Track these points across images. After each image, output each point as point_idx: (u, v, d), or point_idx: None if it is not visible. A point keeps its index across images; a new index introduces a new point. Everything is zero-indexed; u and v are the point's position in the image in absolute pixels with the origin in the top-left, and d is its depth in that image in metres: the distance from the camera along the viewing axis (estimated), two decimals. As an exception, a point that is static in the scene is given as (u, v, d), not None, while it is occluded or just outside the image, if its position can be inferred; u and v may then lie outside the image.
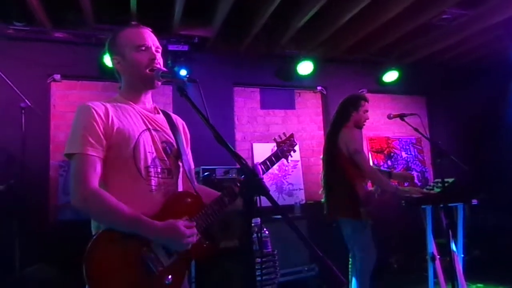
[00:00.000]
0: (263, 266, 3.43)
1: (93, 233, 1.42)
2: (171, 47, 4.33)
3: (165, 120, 1.66)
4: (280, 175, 5.09)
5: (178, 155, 1.59)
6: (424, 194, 3.10)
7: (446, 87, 5.89)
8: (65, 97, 4.41)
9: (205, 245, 1.54)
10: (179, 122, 1.75)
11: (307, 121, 5.51)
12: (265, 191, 1.13)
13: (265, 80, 5.22)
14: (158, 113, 1.68)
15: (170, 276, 1.41)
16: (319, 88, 5.46)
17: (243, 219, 1.22)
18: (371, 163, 3.82)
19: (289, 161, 1.93)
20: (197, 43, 4.51)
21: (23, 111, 3.45)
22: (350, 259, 3.18)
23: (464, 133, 5.73)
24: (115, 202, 1.37)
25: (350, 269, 3.17)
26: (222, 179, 3.86)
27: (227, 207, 1.57)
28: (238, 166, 4.21)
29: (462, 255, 3.28)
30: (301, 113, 5.50)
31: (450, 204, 3.08)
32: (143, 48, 1.54)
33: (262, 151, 5.12)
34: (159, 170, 1.52)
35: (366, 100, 3.25)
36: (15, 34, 3.99)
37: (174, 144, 1.60)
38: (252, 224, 1.17)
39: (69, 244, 3.72)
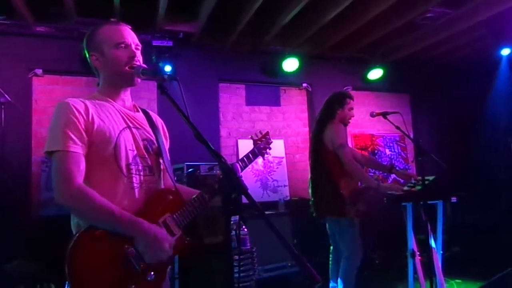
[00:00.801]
0: (241, 263, 3.45)
1: (74, 232, 1.41)
2: (155, 43, 4.30)
3: (145, 118, 1.66)
4: (265, 172, 5.12)
5: (159, 152, 1.60)
6: (405, 191, 3.15)
7: (429, 85, 5.98)
8: (47, 92, 4.34)
9: (186, 242, 1.55)
10: (159, 121, 1.75)
11: (292, 117, 5.54)
12: (243, 190, 1.14)
13: (251, 76, 5.23)
14: (138, 111, 1.67)
15: (152, 273, 1.43)
16: (304, 85, 5.49)
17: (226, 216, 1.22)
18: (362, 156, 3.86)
19: (265, 158, 1.99)
20: (182, 39, 4.48)
21: (2, 106, 3.38)
22: (330, 255, 3.21)
23: (447, 131, 5.84)
24: (102, 200, 1.36)
25: (330, 267, 3.20)
26: (207, 176, 3.86)
27: (207, 204, 1.59)
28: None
29: (442, 252, 3.35)
30: (286, 109, 5.52)
31: (430, 202, 3.14)
32: (123, 45, 1.52)
33: (247, 147, 5.09)
34: (140, 167, 1.52)
35: (351, 97, 3.28)
36: (-5, 28, 3.90)
37: (155, 141, 1.60)
38: (231, 222, 1.18)
39: (51, 239, 3.70)
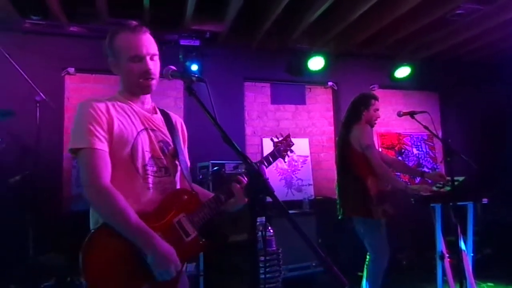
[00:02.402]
0: (267, 264, 3.46)
1: (92, 227, 1.47)
2: (183, 42, 4.36)
3: (163, 120, 1.70)
4: (289, 170, 5.11)
5: (175, 154, 1.63)
6: (433, 192, 3.08)
7: (459, 83, 5.80)
8: (79, 90, 4.49)
9: (201, 242, 1.57)
10: (178, 121, 1.79)
11: (317, 116, 5.50)
12: (269, 192, 1.15)
13: (276, 75, 5.22)
14: (156, 113, 1.71)
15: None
16: (330, 83, 5.44)
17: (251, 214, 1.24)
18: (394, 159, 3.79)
19: (286, 160, 1.97)
20: (208, 38, 4.53)
21: (38, 104, 3.52)
22: (367, 256, 3.14)
23: (477, 130, 5.65)
24: (125, 205, 1.39)
25: (366, 267, 3.14)
26: (232, 174, 3.89)
27: (223, 205, 1.63)
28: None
29: (472, 254, 3.26)
30: (311, 108, 5.49)
31: (460, 203, 3.06)
32: (137, 59, 1.55)
33: (271, 146, 5.12)
34: (155, 168, 1.56)
35: (376, 98, 3.24)
36: (31, 28, 4.06)
37: (171, 143, 1.64)
38: (257, 223, 1.19)
39: (81, 233, 3.84)
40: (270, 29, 4.48)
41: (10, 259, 3.32)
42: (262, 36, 4.63)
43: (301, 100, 5.44)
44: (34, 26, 4.05)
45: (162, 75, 1.57)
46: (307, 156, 5.27)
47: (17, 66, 3.36)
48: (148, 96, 1.68)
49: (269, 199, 1.20)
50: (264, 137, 5.16)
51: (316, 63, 4.92)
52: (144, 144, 1.55)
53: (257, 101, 5.24)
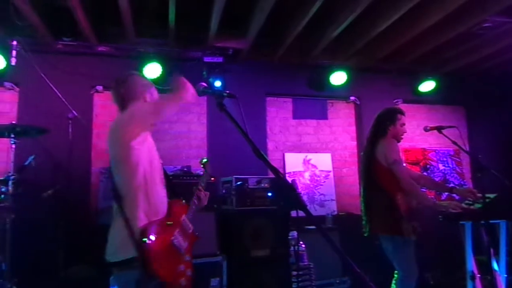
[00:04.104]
0: (299, 279, 3.43)
1: (137, 224, 1.69)
2: (206, 59, 4.46)
3: None
4: (311, 185, 5.07)
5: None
6: (463, 209, 2.99)
7: (486, 97, 5.67)
8: (107, 107, 4.62)
9: (195, 234, 2.05)
10: None
11: (339, 131, 5.48)
12: (302, 206, 1.15)
13: (298, 90, 5.25)
14: None
15: (187, 255, 1.94)
16: (352, 98, 5.43)
17: (275, 228, 1.25)
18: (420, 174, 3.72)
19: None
20: (231, 55, 4.61)
21: (70, 121, 3.66)
22: (395, 275, 3.04)
23: (506, 146, 5.48)
24: None
25: (393, 285, 3.04)
26: (255, 189, 3.89)
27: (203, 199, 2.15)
28: (271, 176, 4.26)
29: (506, 275, 3.12)
30: (333, 123, 5.47)
31: (492, 221, 2.95)
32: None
33: (294, 161, 5.13)
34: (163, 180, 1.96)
35: (402, 113, 3.18)
36: (63, 49, 4.25)
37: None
38: (289, 237, 1.20)
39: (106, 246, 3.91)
40: (292, 45, 4.53)
41: (43, 271, 3.40)
42: (283, 51, 4.69)
43: (323, 115, 5.44)
44: (66, 47, 4.23)
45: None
46: (330, 171, 5.23)
47: (52, 86, 3.51)
48: None
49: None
50: (286, 152, 5.17)
51: (338, 78, 4.92)
52: (158, 159, 1.96)
53: (279, 116, 5.27)
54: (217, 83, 4.51)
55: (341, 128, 5.49)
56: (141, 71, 4.30)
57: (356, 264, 1.07)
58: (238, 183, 3.85)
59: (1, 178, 2.93)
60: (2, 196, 2.85)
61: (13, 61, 3.64)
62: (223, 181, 4.10)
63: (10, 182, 2.85)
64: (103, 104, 4.63)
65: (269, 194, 3.92)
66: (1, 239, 2.75)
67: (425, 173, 5.38)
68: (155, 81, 4.29)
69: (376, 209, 3.02)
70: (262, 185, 3.92)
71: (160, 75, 4.34)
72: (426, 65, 5.24)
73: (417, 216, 3.00)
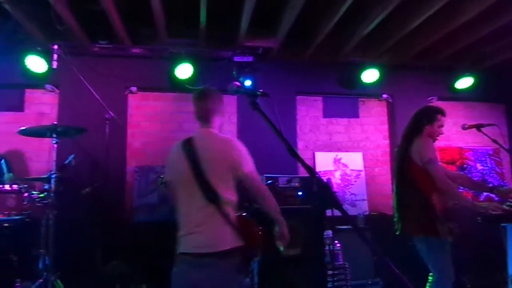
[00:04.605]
0: (335, 278, 3.40)
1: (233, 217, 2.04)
2: (236, 59, 4.50)
3: None
4: (342, 185, 5.00)
5: None
6: (504, 211, 2.86)
7: (528, 93, 5.39)
8: (140, 108, 4.77)
9: None
10: None
11: (371, 130, 5.37)
12: (338, 205, 1.15)
13: (328, 88, 5.19)
14: None
15: None
16: (384, 96, 5.31)
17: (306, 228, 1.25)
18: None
19: None
20: (261, 54, 4.63)
21: (107, 122, 3.79)
22: (429, 278, 2.94)
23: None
24: None
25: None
26: (285, 188, 3.89)
27: None
28: (301, 175, 4.23)
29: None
30: (365, 121, 5.37)
31: (535, 223, 2.81)
32: None
33: (324, 160, 5.08)
34: None
35: (443, 114, 3.04)
36: (99, 52, 4.41)
37: None
38: (324, 236, 1.19)
39: (142, 243, 4.03)
40: (322, 42, 4.49)
41: (82, 266, 3.54)
42: (314, 49, 4.65)
43: (354, 113, 5.36)
44: (102, 49, 4.39)
45: (226, 91, 1.65)
46: (361, 171, 5.14)
47: (90, 88, 3.65)
48: None
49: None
50: (316, 151, 5.13)
51: (370, 75, 4.83)
52: None
53: (309, 114, 5.24)
54: (247, 83, 4.53)
55: (373, 126, 5.39)
56: (173, 71, 4.39)
57: (390, 266, 1.06)
58: (268, 182, 3.86)
59: (44, 176, 3.08)
60: (45, 193, 2.99)
61: (54, 65, 3.81)
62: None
63: (52, 180, 2.98)
64: (137, 104, 4.77)
65: (300, 193, 3.91)
66: (44, 235, 2.88)
67: (462, 173, 5.19)
68: (187, 81, 4.45)
69: (410, 208, 2.93)
70: (293, 184, 3.91)
71: (192, 75, 4.42)
72: (463, 61, 5.04)
73: (454, 216, 2.89)
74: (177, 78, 4.41)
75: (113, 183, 4.18)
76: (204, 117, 2.16)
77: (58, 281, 2.90)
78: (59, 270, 2.94)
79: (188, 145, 2.08)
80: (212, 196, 1.98)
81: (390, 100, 5.31)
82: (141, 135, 4.70)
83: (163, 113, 4.79)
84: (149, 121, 4.75)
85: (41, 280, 2.81)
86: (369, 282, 4.03)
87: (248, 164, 2.08)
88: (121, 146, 4.46)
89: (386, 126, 5.40)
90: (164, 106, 4.80)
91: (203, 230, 1.98)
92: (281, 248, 2.18)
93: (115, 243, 3.83)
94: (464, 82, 5.06)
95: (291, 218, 3.73)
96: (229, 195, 2.06)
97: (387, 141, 5.35)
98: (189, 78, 4.42)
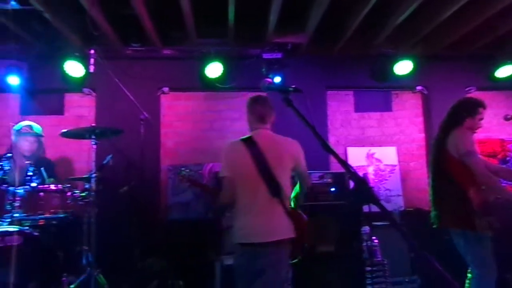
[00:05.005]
0: (373, 275, 3.36)
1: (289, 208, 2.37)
2: (265, 56, 4.50)
3: None
4: (376, 180, 4.89)
5: None
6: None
7: None
8: (172, 108, 4.87)
9: None
10: None
11: (405, 123, 5.23)
12: (375, 200, 1.13)
13: (359, 82, 5.09)
14: None
15: None
16: (419, 88, 5.15)
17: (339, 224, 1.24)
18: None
19: None
20: (290, 50, 4.60)
21: (142, 122, 3.92)
22: (468, 274, 2.86)
23: None
24: None
25: (467, 285, 2.85)
26: (317, 184, 3.86)
27: None
28: (333, 170, 4.19)
29: None
30: (398, 115, 5.24)
31: None
32: None
33: (356, 155, 5.00)
34: None
35: (484, 107, 2.95)
36: (132, 54, 4.55)
37: None
38: (362, 232, 1.18)
39: (178, 240, 4.14)
40: (352, 36, 4.40)
41: (121, 262, 3.68)
42: (344, 43, 4.57)
43: (387, 107, 5.23)
44: (135, 52, 4.52)
45: (259, 88, 1.66)
46: (395, 165, 5.02)
47: (125, 90, 3.77)
48: None
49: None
50: (348, 146, 5.05)
51: (403, 67, 4.68)
52: None
53: (340, 109, 5.17)
54: (277, 79, 4.52)
55: (407, 120, 5.24)
56: (203, 71, 4.46)
57: (427, 263, 1.03)
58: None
59: (85, 176, 3.21)
60: (86, 192, 3.13)
61: (91, 69, 3.96)
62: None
63: (92, 180, 3.11)
64: (170, 105, 4.88)
65: (332, 189, 3.87)
66: (86, 232, 3.01)
67: (504, 166, 4.95)
68: (217, 80, 4.50)
69: (447, 201, 2.86)
70: (325, 180, 3.88)
71: (221, 74, 4.47)
72: (503, 49, 4.80)
73: (495, 210, 2.77)
74: (207, 77, 4.47)
75: (148, 182, 4.30)
76: (264, 119, 2.46)
77: (101, 276, 3.03)
78: (100, 267, 3.06)
79: (251, 144, 2.28)
80: (276, 191, 2.21)
81: (425, 92, 5.14)
82: (173, 135, 4.80)
83: (195, 112, 4.88)
84: (181, 121, 4.85)
85: (85, 275, 2.94)
86: (406, 280, 3.93)
87: (304, 162, 2.40)
88: (155, 146, 4.59)
89: (421, 119, 5.24)
90: (195, 105, 4.88)
91: (267, 221, 2.20)
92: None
93: (151, 241, 3.95)
94: (505, 71, 4.80)
95: (325, 214, 3.74)
96: (289, 189, 2.33)
97: (423, 135, 5.19)
98: (219, 77, 4.47)
